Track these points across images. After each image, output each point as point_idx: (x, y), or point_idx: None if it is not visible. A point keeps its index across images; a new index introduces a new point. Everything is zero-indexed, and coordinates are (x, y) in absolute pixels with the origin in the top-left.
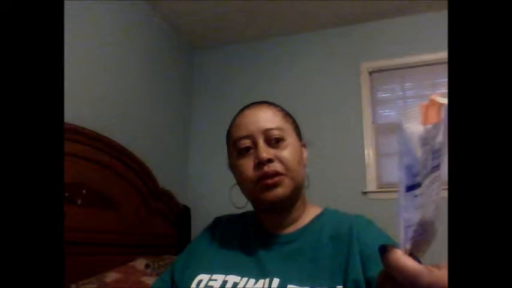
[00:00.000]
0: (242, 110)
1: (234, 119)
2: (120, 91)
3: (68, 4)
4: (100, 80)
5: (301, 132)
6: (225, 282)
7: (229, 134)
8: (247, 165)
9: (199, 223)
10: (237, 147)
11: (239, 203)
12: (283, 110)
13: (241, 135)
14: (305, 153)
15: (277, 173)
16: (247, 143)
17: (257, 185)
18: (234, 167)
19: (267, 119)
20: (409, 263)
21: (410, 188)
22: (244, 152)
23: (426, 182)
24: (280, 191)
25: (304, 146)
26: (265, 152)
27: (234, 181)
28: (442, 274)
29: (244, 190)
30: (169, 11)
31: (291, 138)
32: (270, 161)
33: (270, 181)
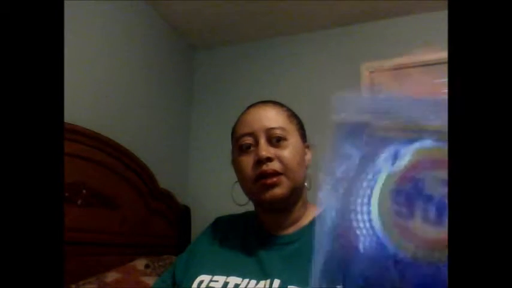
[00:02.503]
0: (248, 107)
1: (240, 116)
2: (120, 91)
3: (67, 4)
4: (100, 80)
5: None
6: (226, 284)
7: (233, 130)
8: (247, 162)
9: (199, 223)
10: (238, 144)
11: (241, 201)
12: (289, 111)
13: (243, 132)
14: (309, 155)
15: (275, 172)
16: (248, 140)
17: (255, 184)
18: (235, 164)
19: (270, 117)
20: None
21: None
22: (245, 149)
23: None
24: (278, 191)
25: (307, 147)
26: (265, 150)
27: (235, 179)
28: None
29: (243, 188)
30: (169, 11)
31: (293, 139)
32: (269, 159)
33: (268, 181)
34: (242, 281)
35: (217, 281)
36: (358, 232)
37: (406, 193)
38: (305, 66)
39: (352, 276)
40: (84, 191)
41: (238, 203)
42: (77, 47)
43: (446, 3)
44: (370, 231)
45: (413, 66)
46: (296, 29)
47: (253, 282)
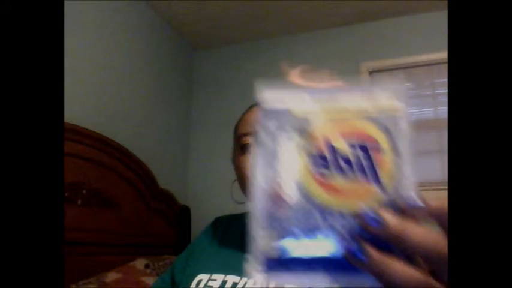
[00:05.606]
0: (250, 107)
1: (242, 115)
2: (120, 91)
3: (67, 4)
4: (100, 80)
5: None
6: (224, 282)
7: (235, 129)
8: (247, 162)
9: (199, 223)
10: (239, 143)
11: (240, 199)
12: None
13: (245, 131)
14: None
15: None
16: (249, 140)
17: None
18: (234, 163)
19: None
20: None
21: None
22: (245, 148)
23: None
24: None
25: None
26: None
27: (235, 178)
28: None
29: (240, 186)
30: (169, 11)
31: None
32: None
33: None
34: (240, 279)
35: (215, 280)
36: (287, 197)
37: (323, 157)
38: (305, 66)
39: (287, 229)
40: (84, 191)
41: (237, 200)
42: (77, 47)
43: (446, 3)
44: (298, 194)
45: (414, 66)
46: (296, 29)
47: (251, 280)
